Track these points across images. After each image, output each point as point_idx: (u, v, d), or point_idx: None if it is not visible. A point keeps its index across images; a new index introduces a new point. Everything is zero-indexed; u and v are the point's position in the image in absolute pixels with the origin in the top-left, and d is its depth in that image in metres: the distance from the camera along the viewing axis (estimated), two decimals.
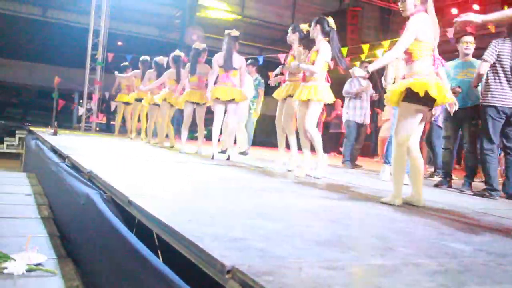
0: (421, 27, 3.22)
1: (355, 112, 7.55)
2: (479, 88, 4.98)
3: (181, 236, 1.68)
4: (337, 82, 7.29)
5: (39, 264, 2.34)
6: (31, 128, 9.25)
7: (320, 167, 4.75)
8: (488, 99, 4.72)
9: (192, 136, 8.86)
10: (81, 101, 13.43)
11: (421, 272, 1.57)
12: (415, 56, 3.26)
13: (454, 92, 4.99)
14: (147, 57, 8.87)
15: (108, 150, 6.29)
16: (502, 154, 6.88)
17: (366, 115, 7.63)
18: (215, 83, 6.06)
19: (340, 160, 8.11)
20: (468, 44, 5.17)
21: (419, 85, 3.16)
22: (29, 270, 2.25)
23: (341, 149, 8.88)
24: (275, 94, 5.50)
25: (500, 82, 4.68)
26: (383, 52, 11.35)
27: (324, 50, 4.65)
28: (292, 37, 5.37)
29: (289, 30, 5.43)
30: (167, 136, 8.08)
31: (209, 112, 6.74)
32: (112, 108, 10.69)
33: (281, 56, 9.67)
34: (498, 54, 4.70)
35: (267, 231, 1.95)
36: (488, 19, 2.88)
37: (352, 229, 2.26)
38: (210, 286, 1.46)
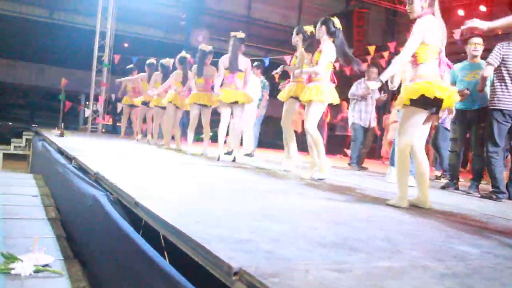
0: (427, 30, 3.21)
1: (360, 115, 7.51)
2: (488, 89, 4.95)
3: (188, 238, 1.68)
4: (344, 83, 7.28)
5: (46, 265, 2.35)
6: (38, 130, 9.30)
7: (324, 169, 4.69)
8: (494, 103, 4.71)
9: (198, 138, 8.87)
10: (87, 102, 13.49)
11: (428, 275, 1.57)
12: (420, 59, 3.25)
13: (462, 95, 4.97)
14: (153, 60, 8.89)
15: (114, 151, 6.31)
16: (510, 156, 6.86)
17: (371, 119, 7.58)
18: (221, 85, 6.08)
19: (346, 162, 8.10)
20: (476, 45, 5.14)
21: (422, 89, 3.16)
22: (36, 271, 2.26)
23: (347, 151, 8.86)
24: (279, 96, 5.50)
25: (506, 86, 4.67)
26: (388, 54, 11.35)
27: (327, 50, 4.62)
28: (296, 39, 5.39)
29: (294, 32, 5.45)
30: (173, 137, 8.09)
31: (215, 114, 6.75)
32: (118, 110, 10.73)
33: (287, 58, 9.69)
34: (503, 58, 4.68)
35: (273, 232, 1.95)
36: (494, 25, 2.87)
37: (358, 231, 2.25)
38: (217, 287, 1.46)
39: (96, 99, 12.63)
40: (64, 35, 16.57)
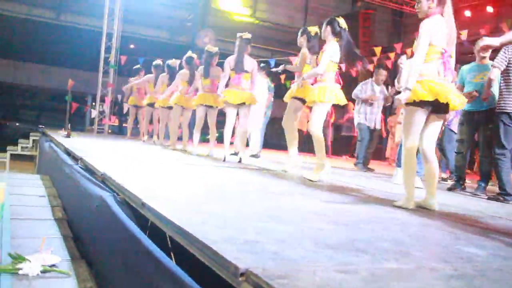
0: (433, 31, 3.20)
1: (365, 116, 7.46)
2: (496, 90, 4.92)
3: (195, 239, 1.68)
4: (350, 84, 7.27)
5: (54, 265, 2.36)
6: (45, 131, 9.35)
7: (318, 171, 4.61)
8: (501, 105, 4.70)
9: (204, 139, 8.89)
10: (93, 103, 13.54)
11: (435, 277, 1.56)
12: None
13: (471, 96, 4.95)
14: (159, 61, 8.91)
15: (120, 152, 6.33)
16: None
17: (377, 120, 7.52)
18: (227, 85, 6.09)
19: (352, 163, 8.07)
20: None
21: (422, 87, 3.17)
22: (43, 271, 2.28)
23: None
24: (285, 98, 5.51)
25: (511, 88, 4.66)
26: (395, 55, 11.31)
27: (329, 50, 4.59)
28: (301, 40, 5.41)
29: (299, 32, 5.47)
30: (179, 138, 8.11)
31: (221, 115, 6.77)
32: (125, 111, 10.77)
33: (293, 59, 9.68)
34: (509, 60, 4.66)
35: (279, 234, 1.95)
36: (506, 40, 2.91)
37: (365, 232, 2.24)
38: None
39: (102, 100, 12.69)
40: (71, 36, 16.66)
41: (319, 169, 4.60)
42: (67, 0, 16.49)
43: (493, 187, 5.81)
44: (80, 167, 4.14)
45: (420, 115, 3.25)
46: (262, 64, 8.08)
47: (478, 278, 1.63)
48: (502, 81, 4.74)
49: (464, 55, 6.63)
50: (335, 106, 4.85)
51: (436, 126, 3.37)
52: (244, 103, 5.94)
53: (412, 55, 3.32)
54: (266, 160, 7.24)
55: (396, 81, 5.53)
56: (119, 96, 12.12)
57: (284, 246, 1.72)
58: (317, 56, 4.87)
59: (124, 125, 14.09)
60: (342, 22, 4.64)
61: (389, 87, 7.56)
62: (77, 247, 2.93)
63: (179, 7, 17.21)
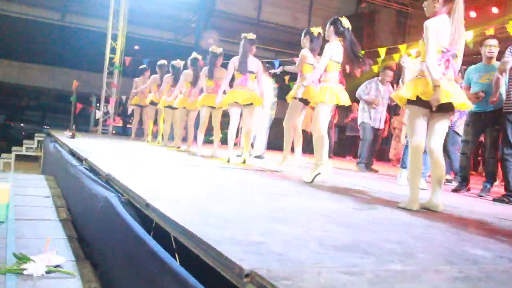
0: (437, 30, 3.19)
1: (369, 115, 7.42)
2: (503, 91, 4.90)
3: (199, 239, 1.68)
4: (354, 85, 7.24)
5: (58, 265, 2.37)
6: (50, 131, 9.38)
7: (317, 170, 4.51)
8: (508, 106, 4.67)
9: (208, 140, 8.90)
10: (98, 104, 13.56)
11: (441, 279, 1.56)
12: (422, 58, 3.27)
13: (477, 97, 4.92)
14: (164, 61, 8.93)
15: (125, 153, 6.34)
16: None
17: (381, 119, 7.49)
18: (231, 86, 6.10)
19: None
20: (491, 47, 5.08)
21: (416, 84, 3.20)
22: (48, 272, 2.29)
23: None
24: (287, 98, 5.52)
25: None
26: (399, 56, 11.27)
27: (327, 50, 4.54)
28: (304, 41, 5.42)
29: (302, 33, 5.48)
30: (183, 139, 8.12)
31: (225, 116, 6.77)
32: (129, 112, 10.79)
33: (297, 60, 9.65)
34: None
35: (284, 235, 1.94)
36: None
37: (369, 234, 2.24)
38: None
39: (107, 101, 12.71)
40: (76, 37, 16.71)
41: (315, 169, 4.53)
42: (72, 1, 16.56)
43: (497, 189, 5.78)
44: (84, 167, 4.15)
45: (420, 113, 3.25)
46: (266, 65, 8.08)
47: (484, 280, 1.62)
48: (509, 82, 4.71)
49: (469, 56, 6.60)
50: (339, 107, 4.81)
51: (442, 126, 3.35)
52: (251, 104, 5.94)
53: (417, 56, 3.32)
54: (271, 161, 7.23)
55: (400, 81, 5.53)
56: (124, 97, 12.15)
57: (289, 247, 1.71)
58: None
59: (128, 126, 14.12)
60: (345, 21, 4.60)
61: (395, 86, 7.52)
62: (82, 247, 2.94)
63: (184, 8, 17.23)
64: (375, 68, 10.63)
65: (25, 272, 2.23)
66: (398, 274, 1.55)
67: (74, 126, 8.41)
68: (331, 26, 4.63)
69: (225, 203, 2.80)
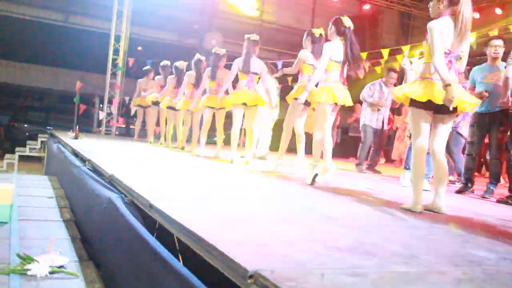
0: (441, 31, 3.19)
1: (372, 117, 7.38)
2: (509, 92, 4.88)
3: (203, 240, 1.68)
4: (357, 85, 7.22)
5: (62, 266, 2.38)
6: (53, 132, 9.40)
7: (314, 171, 4.45)
8: None
9: (211, 141, 8.90)
10: (101, 105, 13.59)
11: (445, 280, 1.55)
12: (425, 59, 3.27)
13: (481, 97, 4.90)
14: (167, 62, 8.93)
15: (128, 154, 6.35)
16: None
17: (384, 120, 7.46)
18: (234, 87, 6.11)
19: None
20: (497, 48, 5.06)
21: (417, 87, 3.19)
22: (51, 272, 2.29)
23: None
24: (287, 98, 5.52)
25: None
26: (402, 57, 11.26)
27: (326, 50, 4.50)
28: (306, 42, 5.43)
29: (304, 34, 5.50)
30: (187, 140, 8.13)
31: (228, 117, 6.77)
32: (132, 113, 10.81)
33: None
34: None
35: (288, 236, 1.94)
36: None
37: (374, 235, 2.23)
38: None
39: (110, 102, 12.74)
40: (79, 38, 16.73)
41: (312, 170, 4.48)
42: (75, 2, 16.58)
43: (501, 190, 5.76)
44: (88, 168, 4.16)
45: (423, 115, 3.24)
46: (270, 66, 8.08)
47: (488, 281, 1.62)
48: None
49: (473, 57, 6.58)
50: (342, 108, 4.78)
51: (445, 128, 3.34)
52: (255, 105, 5.95)
53: (421, 56, 3.31)
54: (274, 162, 7.22)
55: (404, 83, 5.51)
56: (127, 98, 12.16)
57: (293, 249, 1.71)
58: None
59: (131, 126, 14.14)
60: (346, 20, 4.58)
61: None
62: (85, 248, 2.94)
63: (187, 9, 17.24)
64: (378, 69, 10.64)
65: (28, 273, 2.24)
66: (402, 275, 1.55)
67: (77, 127, 8.43)
68: (333, 26, 4.62)
69: (229, 204, 2.80)
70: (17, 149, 9.59)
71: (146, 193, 2.56)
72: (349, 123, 11.95)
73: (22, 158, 9.60)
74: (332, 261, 1.60)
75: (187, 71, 7.84)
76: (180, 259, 2.01)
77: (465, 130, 6.06)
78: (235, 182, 4.19)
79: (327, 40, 4.89)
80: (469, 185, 5.28)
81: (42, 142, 9.82)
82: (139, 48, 17.38)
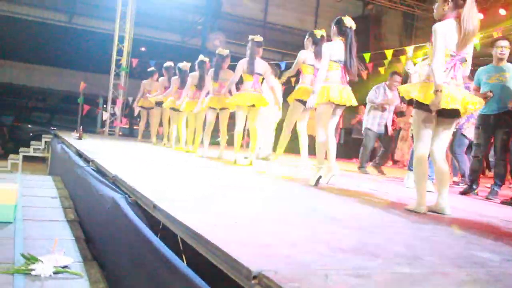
0: (445, 34, 3.18)
1: (374, 121, 7.34)
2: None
3: (207, 241, 1.69)
4: (360, 86, 7.21)
5: (66, 266, 2.39)
6: (57, 132, 9.42)
7: (318, 172, 4.38)
8: None
9: (214, 142, 8.91)
10: (105, 106, 13.61)
11: (449, 282, 1.55)
12: (430, 61, 3.25)
13: (485, 97, 4.89)
14: (171, 63, 8.94)
15: (131, 154, 6.36)
16: None
17: (388, 125, 7.41)
18: (238, 89, 6.13)
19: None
20: (503, 48, 5.03)
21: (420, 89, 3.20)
22: (56, 272, 2.30)
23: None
24: (288, 99, 5.53)
25: None
26: (406, 58, 11.24)
27: (325, 51, 4.46)
28: (307, 43, 5.45)
29: (307, 35, 5.53)
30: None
31: (232, 117, 6.77)
32: (136, 113, 10.83)
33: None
34: None
35: (292, 237, 1.94)
36: None
37: (377, 236, 2.23)
38: None
39: (113, 103, 12.76)
40: (83, 39, 16.79)
41: (317, 172, 4.44)
42: (79, 3, 16.63)
43: (505, 192, 5.74)
44: (92, 168, 4.17)
45: (427, 118, 3.23)
46: (274, 67, 8.07)
47: (492, 283, 1.61)
48: None
49: (478, 58, 6.55)
50: (345, 109, 4.75)
51: (446, 132, 3.33)
52: (262, 106, 5.97)
53: (425, 58, 3.31)
54: (277, 163, 7.22)
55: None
56: (130, 99, 12.19)
57: (297, 250, 1.71)
58: None
59: (135, 127, 14.16)
60: (348, 21, 4.55)
61: (401, 103, 7.49)
62: (89, 248, 2.95)
63: (190, 10, 17.26)
64: (382, 70, 10.63)
65: (33, 273, 2.25)
66: (406, 277, 1.54)
67: (81, 128, 8.45)
68: (335, 26, 4.61)
69: (233, 205, 2.80)
70: (21, 149, 9.62)
71: (149, 194, 2.56)
72: (352, 124, 11.94)
73: (26, 159, 9.63)
74: (336, 262, 1.60)
75: (190, 72, 7.85)
76: (184, 260, 2.01)
77: (469, 131, 6.04)
78: (238, 182, 4.19)
79: (329, 41, 4.88)
80: (474, 187, 5.26)
81: (46, 142, 9.85)
82: (143, 48, 17.43)
